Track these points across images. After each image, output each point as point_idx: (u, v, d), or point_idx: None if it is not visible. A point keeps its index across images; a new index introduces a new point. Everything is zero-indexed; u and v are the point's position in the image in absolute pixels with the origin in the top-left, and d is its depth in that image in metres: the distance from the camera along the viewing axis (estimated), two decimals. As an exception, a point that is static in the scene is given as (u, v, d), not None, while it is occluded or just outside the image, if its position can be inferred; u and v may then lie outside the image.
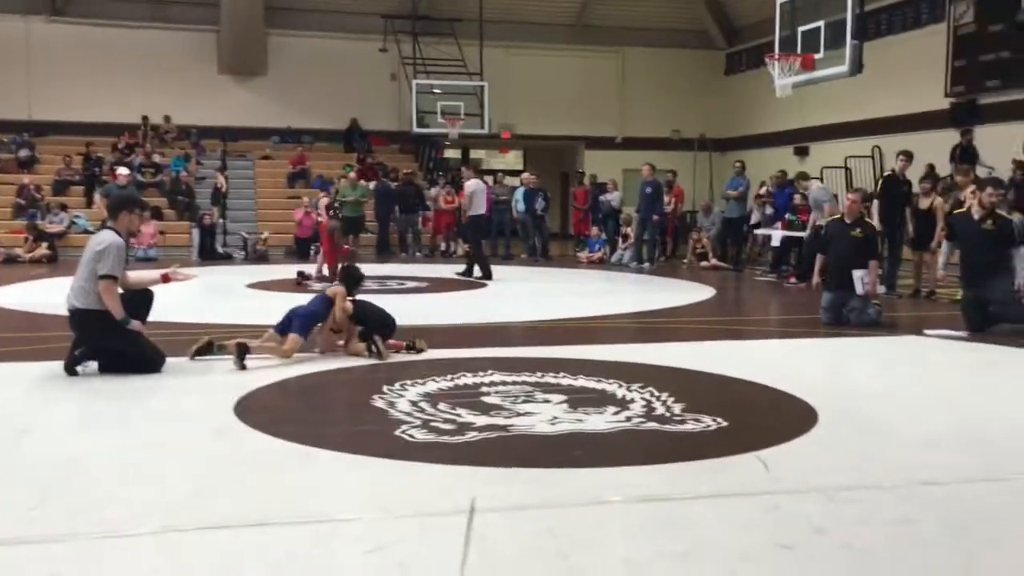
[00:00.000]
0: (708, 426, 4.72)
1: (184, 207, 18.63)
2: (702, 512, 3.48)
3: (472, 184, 14.18)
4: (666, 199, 16.74)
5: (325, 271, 12.55)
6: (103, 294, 5.84)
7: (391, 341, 6.70)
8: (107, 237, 6.00)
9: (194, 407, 5.18)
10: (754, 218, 15.88)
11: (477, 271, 13.46)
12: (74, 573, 2.89)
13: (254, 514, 3.38)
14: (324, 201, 13.40)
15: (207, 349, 6.34)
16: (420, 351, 6.71)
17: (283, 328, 6.52)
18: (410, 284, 12.44)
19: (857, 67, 10.90)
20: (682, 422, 4.78)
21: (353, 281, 6.95)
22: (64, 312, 6.15)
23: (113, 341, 5.91)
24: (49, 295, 9.82)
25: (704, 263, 15.80)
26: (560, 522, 3.37)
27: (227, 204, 18.82)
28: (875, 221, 10.28)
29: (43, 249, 16.22)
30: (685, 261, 16.48)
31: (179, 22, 21.09)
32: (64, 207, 17.71)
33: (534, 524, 3.34)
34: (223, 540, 3.16)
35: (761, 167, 18.56)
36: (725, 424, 4.76)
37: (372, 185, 18.24)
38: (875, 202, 11.19)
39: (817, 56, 11.42)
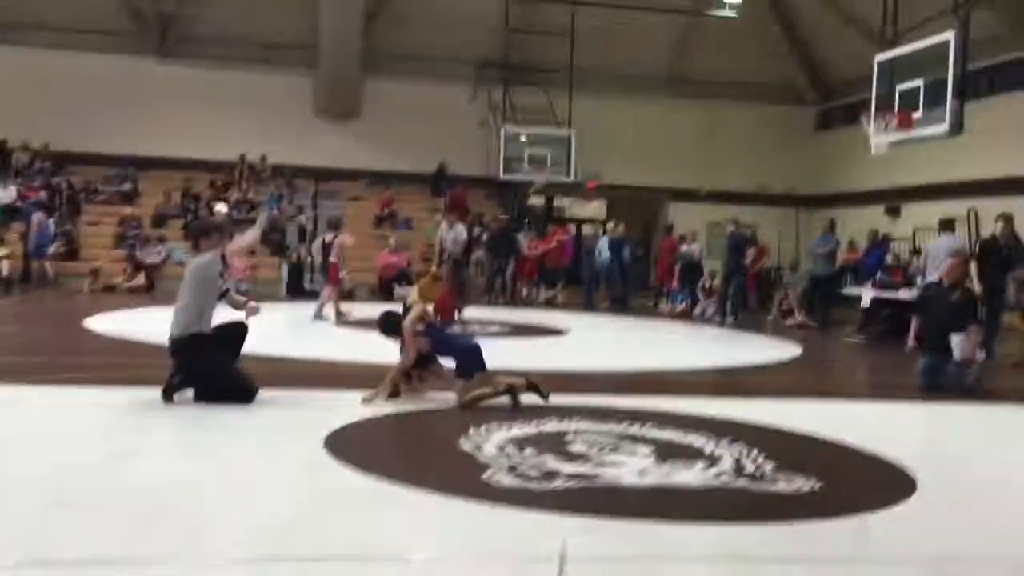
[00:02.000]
0: (800, 487, 4.60)
1: (277, 245, 19.15)
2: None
3: (460, 229, 14.19)
4: (749, 253, 16.57)
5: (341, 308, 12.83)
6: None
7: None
8: (202, 257, 6.29)
9: (286, 440, 5.28)
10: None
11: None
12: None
13: (346, 549, 3.42)
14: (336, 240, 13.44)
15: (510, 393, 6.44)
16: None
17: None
18: (492, 328, 12.50)
19: (957, 128, 10.61)
20: (773, 481, 4.68)
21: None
22: (160, 341, 6.36)
23: (211, 367, 6.09)
24: (146, 323, 10.17)
25: (790, 320, 15.51)
26: (650, 575, 3.32)
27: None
28: (974, 284, 9.95)
29: (141, 279, 16.80)
30: (770, 317, 16.19)
31: (280, 65, 21.84)
32: (162, 239, 18.38)
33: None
34: (316, 573, 3.19)
35: (851, 226, 18.22)
36: (818, 486, 4.64)
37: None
38: (972, 264, 10.84)
39: (915, 115, 11.18)
